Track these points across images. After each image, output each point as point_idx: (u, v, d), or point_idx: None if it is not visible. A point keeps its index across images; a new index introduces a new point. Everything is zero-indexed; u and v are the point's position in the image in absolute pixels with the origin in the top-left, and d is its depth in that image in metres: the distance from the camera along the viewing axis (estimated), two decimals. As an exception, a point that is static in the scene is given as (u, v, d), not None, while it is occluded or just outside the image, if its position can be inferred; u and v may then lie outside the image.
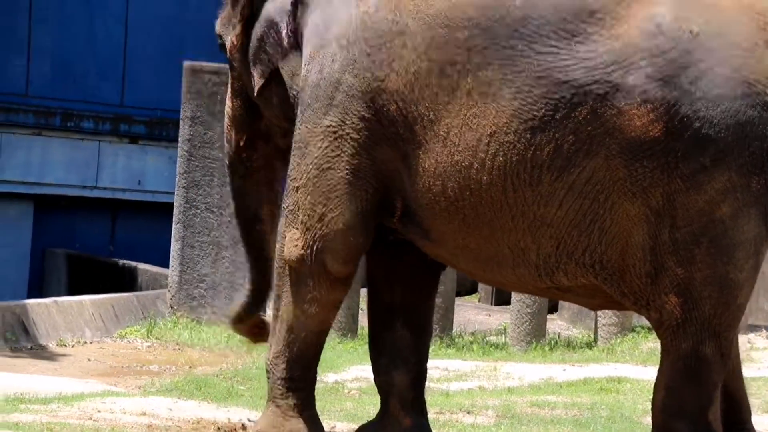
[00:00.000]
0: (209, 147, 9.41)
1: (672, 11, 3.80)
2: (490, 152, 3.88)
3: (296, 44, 4.30)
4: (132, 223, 13.91)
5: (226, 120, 4.64)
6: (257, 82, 4.33)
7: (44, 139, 13.38)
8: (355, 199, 4.08)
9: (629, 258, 3.84)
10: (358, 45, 4.07)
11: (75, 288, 11.60)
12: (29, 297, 10.63)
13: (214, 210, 9.20)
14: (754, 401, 5.94)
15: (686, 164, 3.75)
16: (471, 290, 12.67)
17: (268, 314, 4.54)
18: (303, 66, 4.20)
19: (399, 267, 4.37)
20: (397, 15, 4.02)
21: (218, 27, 4.58)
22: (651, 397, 3.97)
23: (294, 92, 4.32)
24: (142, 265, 11.31)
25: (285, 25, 4.30)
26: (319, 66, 4.15)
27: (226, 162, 4.67)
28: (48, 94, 13.47)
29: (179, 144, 9.54)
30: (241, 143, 4.54)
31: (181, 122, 9.53)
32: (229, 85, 4.59)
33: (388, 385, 4.37)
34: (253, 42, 4.37)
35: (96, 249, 13.35)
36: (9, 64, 13.35)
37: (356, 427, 4.72)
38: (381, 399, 4.41)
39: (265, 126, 4.55)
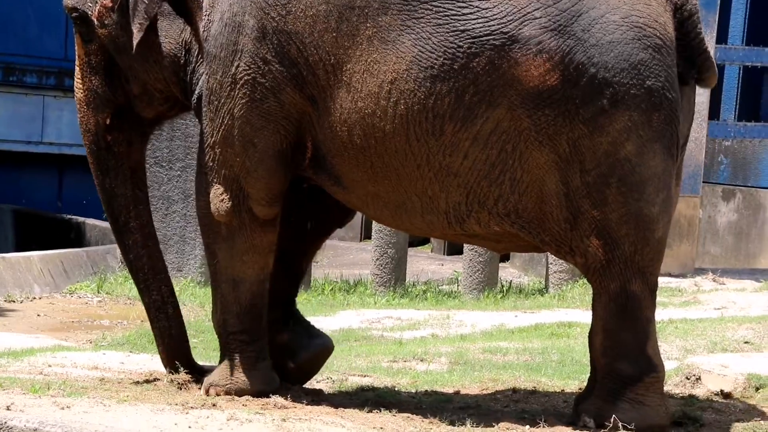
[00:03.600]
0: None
1: None
2: (391, 100, 3.91)
3: None
4: (80, 179, 13.77)
5: (83, 107, 4.44)
6: (135, 36, 4.20)
7: (-13, 95, 13.16)
8: (271, 144, 4.09)
9: (546, 206, 3.91)
10: None
11: (23, 244, 11.48)
12: (-24, 254, 10.50)
13: (164, 165, 9.11)
14: (699, 342, 6.06)
15: (586, 109, 3.83)
16: (423, 241, 12.72)
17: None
18: (203, 16, 4.15)
19: (294, 216, 4.40)
20: None
21: (70, 0, 4.38)
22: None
23: (185, 49, 4.24)
24: (90, 221, 11.20)
25: None
26: (219, 14, 4.11)
27: (92, 161, 4.47)
28: (-11, 47, 13.23)
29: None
30: (108, 121, 4.42)
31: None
32: (83, 65, 4.42)
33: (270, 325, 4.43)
34: None
35: (43, 205, 13.20)
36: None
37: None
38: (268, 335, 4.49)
39: (125, 99, 4.42)
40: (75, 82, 4.51)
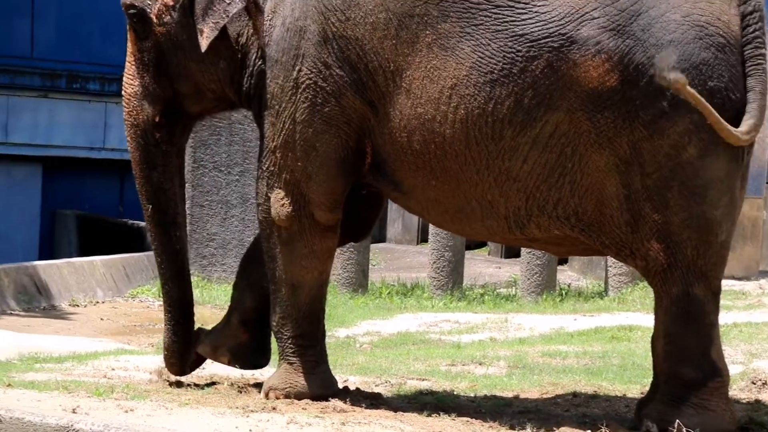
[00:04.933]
0: (216, 105, 9.41)
1: None
2: (451, 105, 3.91)
3: None
4: (141, 184, 13.91)
5: (134, 102, 4.46)
6: (208, 35, 4.21)
7: (50, 102, 13.37)
8: (332, 148, 4.11)
9: (606, 208, 3.87)
10: None
11: (85, 249, 11.65)
12: (40, 258, 10.68)
13: (222, 169, 9.20)
14: (765, 345, 5.97)
15: (646, 111, 3.77)
16: (480, 244, 12.68)
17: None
18: (265, 21, 4.18)
19: None
20: None
21: None
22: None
23: (241, 52, 4.26)
24: (151, 225, 11.30)
25: None
26: (281, 18, 4.14)
27: (137, 156, 4.49)
28: (53, 56, 13.44)
29: (185, 103, 9.52)
30: (158, 119, 4.45)
31: (186, 81, 9.50)
32: (135, 62, 4.45)
33: (237, 302, 4.59)
34: None
35: (105, 210, 13.38)
36: (13, 27, 13.30)
37: (368, 380, 4.75)
38: (227, 312, 4.64)
39: (175, 98, 4.45)
40: (125, 77, 4.54)
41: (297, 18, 4.11)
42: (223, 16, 4.24)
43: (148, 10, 4.39)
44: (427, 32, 3.93)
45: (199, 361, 4.69)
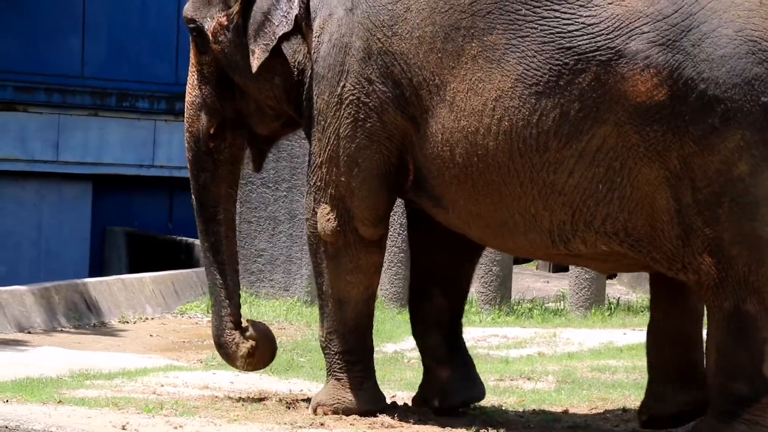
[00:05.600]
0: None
1: None
2: (495, 117, 3.88)
3: (305, 15, 4.27)
4: (190, 200, 14.00)
5: (191, 111, 4.58)
6: (259, 56, 4.29)
7: (101, 120, 13.51)
8: (374, 163, 4.12)
9: (657, 222, 3.82)
10: (362, 7, 4.08)
11: (135, 265, 11.75)
12: (90, 275, 10.79)
13: (270, 185, 9.24)
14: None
15: (696, 126, 3.72)
16: (528, 257, 12.62)
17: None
18: (313, 38, 4.21)
19: (436, 233, 4.38)
20: None
21: (190, 11, 4.51)
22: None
23: (298, 69, 4.32)
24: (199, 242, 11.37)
25: None
26: (329, 35, 4.17)
27: (190, 157, 4.63)
28: (103, 74, 13.59)
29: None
30: (212, 131, 4.55)
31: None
32: (196, 73, 4.54)
33: (423, 347, 4.50)
34: (257, 16, 4.32)
35: (154, 227, 13.49)
36: (64, 46, 13.48)
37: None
38: (422, 362, 4.53)
39: (235, 113, 4.54)
40: (187, 85, 4.64)
41: (343, 35, 4.13)
42: (272, 37, 4.29)
43: (206, 27, 4.45)
44: (473, 44, 3.92)
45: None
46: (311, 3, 4.29)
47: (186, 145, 4.69)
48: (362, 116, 4.11)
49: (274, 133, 4.68)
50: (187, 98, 4.63)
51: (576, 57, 3.81)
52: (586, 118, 3.82)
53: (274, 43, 4.29)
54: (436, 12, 3.97)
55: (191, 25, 4.50)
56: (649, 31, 3.76)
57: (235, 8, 4.40)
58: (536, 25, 3.85)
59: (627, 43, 3.77)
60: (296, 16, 4.28)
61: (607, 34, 3.78)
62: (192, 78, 4.59)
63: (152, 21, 13.72)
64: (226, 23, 4.41)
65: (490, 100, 3.91)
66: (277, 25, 4.27)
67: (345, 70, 4.12)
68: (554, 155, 3.87)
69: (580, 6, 3.82)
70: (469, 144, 3.96)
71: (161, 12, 13.80)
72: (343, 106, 4.13)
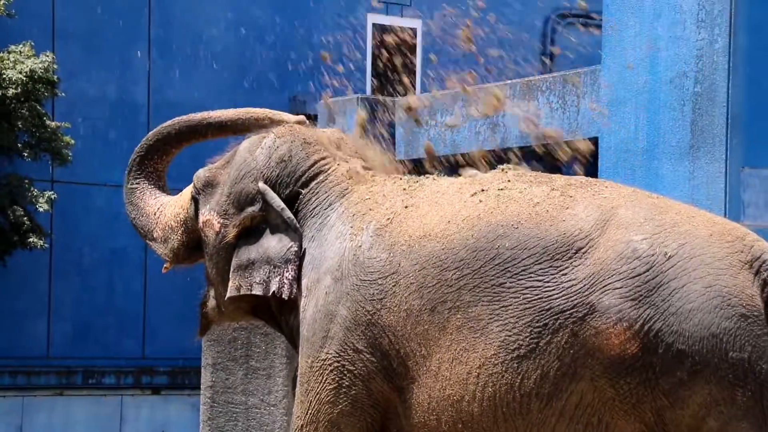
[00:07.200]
0: (232, 392, 9.41)
1: (648, 238, 3.89)
2: (479, 384, 3.93)
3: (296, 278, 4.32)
4: (158, 477, 13.69)
5: (155, 232, 4.65)
6: (232, 292, 4.33)
7: (66, 399, 13.38)
8: (358, 430, 4.12)
9: None
10: (350, 279, 4.17)
11: None
12: None
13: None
14: None
15: (665, 379, 3.72)
16: None
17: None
18: (302, 299, 4.29)
19: None
20: (391, 254, 4.14)
21: (199, 182, 4.52)
22: None
23: (290, 329, 4.38)
24: None
25: (289, 270, 4.30)
26: (315, 299, 4.24)
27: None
28: (69, 353, 13.56)
29: (201, 391, 9.55)
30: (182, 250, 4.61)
31: (203, 370, 9.58)
32: (182, 220, 4.60)
33: None
34: (243, 256, 4.35)
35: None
36: (29, 328, 13.51)
37: None
38: None
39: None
40: (169, 217, 4.64)
41: (329, 302, 4.21)
42: (248, 288, 4.33)
43: (201, 209, 4.51)
44: (458, 316, 3.99)
45: None
46: (301, 263, 4.34)
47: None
48: (347, 383, 4.18)
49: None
50: (162, 224, 4.65)
51: (554, 316, 3.88)
52: (565, 376, 3.85)
53: (247, 292, 4.32)
54: (424, 287, 4.08)
55: (193, 191, 4.56)
56: (621, 287, 3.85)
57: (232, 233, 4.41)
58: (518, 294, 3.96)
59: (601, 299, 3.84)
60: (274, 290, 4.30)
61: (583, 292, 3.87)
62: (176, 219, 4.62)
63: (119, 298, 13.87)
64: (217, 228, 4.44)
65: (474, 368, 3.94)
66: (257, 283, 4.31)
67: (330, 337, 4.18)
68: (536, 416, 3.88)
69: (560, 273, 3.99)
70: (454, 411, 3.98)
71: (128, 288, 13.97)
72: (327, 372, 4.22)
